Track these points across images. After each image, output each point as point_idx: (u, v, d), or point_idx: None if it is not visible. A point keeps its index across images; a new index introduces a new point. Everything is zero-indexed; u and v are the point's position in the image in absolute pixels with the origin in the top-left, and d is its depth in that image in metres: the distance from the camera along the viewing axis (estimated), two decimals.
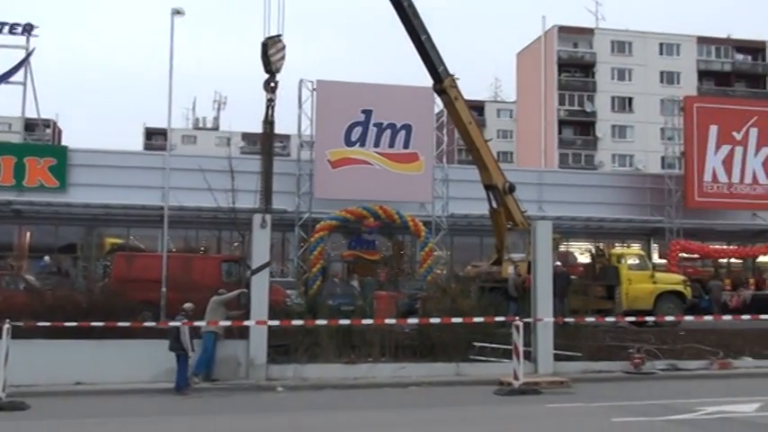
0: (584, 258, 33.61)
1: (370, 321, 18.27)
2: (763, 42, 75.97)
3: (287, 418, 13.44)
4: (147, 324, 17.49)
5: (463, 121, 24.19)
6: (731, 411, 13.05)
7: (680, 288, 26.60)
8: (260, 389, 16.25)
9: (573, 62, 73.11)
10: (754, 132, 39.54)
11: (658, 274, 27.23)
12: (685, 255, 38.66)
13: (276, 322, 17.36)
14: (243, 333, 17.33)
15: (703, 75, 74.17)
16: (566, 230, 34.12)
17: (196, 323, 16.45)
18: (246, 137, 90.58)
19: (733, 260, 42.48)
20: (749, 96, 67.49)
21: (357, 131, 34.03)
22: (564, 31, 72.99)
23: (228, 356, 17.12)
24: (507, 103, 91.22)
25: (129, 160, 34.97)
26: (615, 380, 17.85)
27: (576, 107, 72.17)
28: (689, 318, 22.92)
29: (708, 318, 22.88)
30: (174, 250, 30.58)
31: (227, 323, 17.17)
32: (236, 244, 30.34)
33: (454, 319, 17.86)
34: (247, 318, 17.08)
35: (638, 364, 18.50)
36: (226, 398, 15.35)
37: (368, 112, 34.05)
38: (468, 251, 35.71)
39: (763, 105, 45.55)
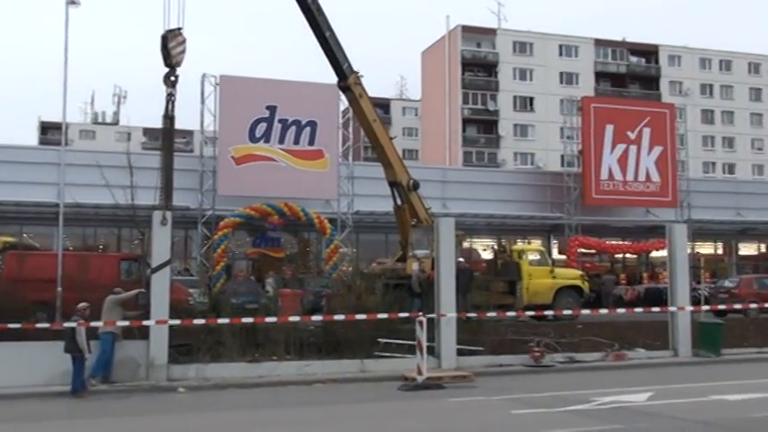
0: (486, 255, 34.27)
1: (274, 319, 18.12)
2: (655, 46, 79.11)
3: (187, 419, 13.19)
4: (40, 325, 16.85)
5: (368, 118, 24.27)
6: (624, 401, 13.54)
7: (578, 283, 27.41)
8: (160, 390, 15.87)
9: (476, 62, 74.34)
10: (647, 132, 41.16)
11: (557, 270, 27.97)
12: (583, 250, 39.94)
13: (177, 321, 17.00)
14: (143, 333, 16.89)
15: (600, 76, 76.67)
16: (469, 227, 34.69)
17: (93, 324, 15.95)
18: (148, 132, 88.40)
19: (628, 255, 44.15)
20: (643, 98, 70.18)
21: (261, 128, 33.71)
22: (467, 30, 74.15)
23: (127, 357, 16.66)
24: (412, 101, 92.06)
25: (23, 155, 33.64)
26: (516, 373, 18.25)
27: (480, 106, 73.43)
28: (586, 311, 23.63)
29: (604, 311, 23.65)
30: (70, 249, 29.58)
31: (126, 323, 16.70)
32: (135, 242, 29.58)
33: (359, 316, 17.91)
34: (146, 317, 16.66)
35: (537, 358, 18.96)
36: (124, 400, 14.94)
37: (272, 109, 33.76)
38: (373, 248, 35.89)
39: (656, 106, 47.56)
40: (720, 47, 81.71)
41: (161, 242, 17.39)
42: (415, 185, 24.91)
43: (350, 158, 36.71)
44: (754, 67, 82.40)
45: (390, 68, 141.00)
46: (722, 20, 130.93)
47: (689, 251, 27.11)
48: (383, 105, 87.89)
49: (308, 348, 18.53)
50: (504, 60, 73.65)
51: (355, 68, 24.18)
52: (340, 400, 14.66)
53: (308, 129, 34.30)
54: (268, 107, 33.76)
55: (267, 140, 33.77)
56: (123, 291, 17.18)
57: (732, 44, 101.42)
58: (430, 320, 17.65)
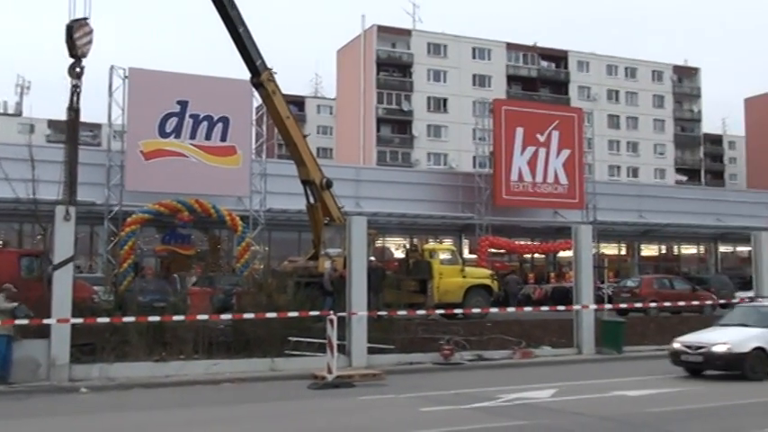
0: (398, 254, 34.48)
1: (182, 318, 17.78)
2: (565, 52, 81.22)
3: (88, 421, 12.79)
4: None
5: (281, 115, 24.07)
6: (529, 398, 13.85)
7: (488, 282, 27.87)
8: (62, 390, 15.35)
9: (391, 62, 74.79)
10: (555, 135, 42.16)
11: (468, 269, 28.36)
12: (494, 250, 40.64)
13: (80, 320, 16.48)
14: (44, 332, 16.30)
15: (512, 79, 78.22)
16: (382, 226, 34.85)
17: None
18: (53, 124, 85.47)
19: (537, 255, 45.16)
20: (552, 101, 71.77)
21: (172, 122, 33.01)
22: (383, 30, 74.52)
23: (27, 357, 16.03)
24: (327, 100, 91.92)
25: None
26: (426, 371, 18.43)
27: (394, 106, 73.90)
28: (494, 310, 24.08)
29: (511, 309, 24.12)
30: None
31: (24, 321, 16.03)
32: (38, 237, 28.52)
33: (269, 315, 17.76)
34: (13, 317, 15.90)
35: (447, 356, 19.19)
36: (23, 401, 14.39)
37: (184, 103, 33.10)
38: (286, 246, 35.63)
39: (565, 110, 48.78)
40: (626, 54, 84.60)
41: (64, 238, 16.83)
42: (329, 184, 24.84)
43: (263, 155, 36.31)
44: (658, 75, 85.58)
45: (306, 66, 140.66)
46: (629, 29, 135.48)
47: (594, 251, 27.95)
48: (297, 103, 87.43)
49: (217, 347, 18.29)
50: (418, 61, 74.31)
51: (269, 65, 23.95)
52: (248, 400, 14.50)
53: (220, 125, 33.77)
54: (179, 102, 33.08)
55: (178, 136, 33.08)
56: (12, 288, 16.39)
57: (637, 52, 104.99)
58: (341, 319, 17.65)
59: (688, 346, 16.89)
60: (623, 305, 26.51)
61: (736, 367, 16.18)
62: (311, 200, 25.05)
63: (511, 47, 78.69)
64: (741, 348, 16.22)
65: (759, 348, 16.25)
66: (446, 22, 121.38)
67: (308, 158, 24.70)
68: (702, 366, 16.73)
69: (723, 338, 16.68)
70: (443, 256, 27.73)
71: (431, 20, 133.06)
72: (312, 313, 18.45)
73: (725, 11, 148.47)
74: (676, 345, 17.22)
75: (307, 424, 12.12)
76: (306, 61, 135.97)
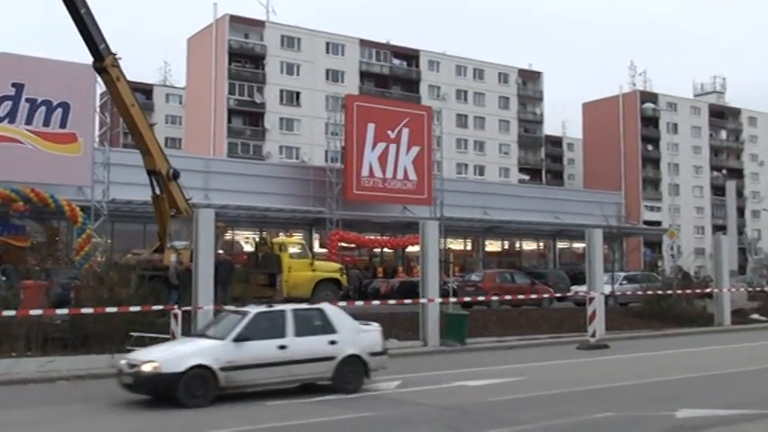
0: (248, 247, 34.05)
1: (12, 313, 16.76)
2: (417, 51, 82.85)
3: None
4: None
5: (125, 102, 23.18)
6: (375, 389, 14.03)
7: (337, 276, 28.02)
8: None
9: (244, 53, 73.70)
10: (406, 132, 42.96)
11: (317, 263, 28.40)
12: (344, 244, 40.90)
13: None
14: None
15: (365, 75, 78.96)
16: (231, 219, 34.28)
17: None
18: None
19: (386, 249, 45.85)
20: (404, 99, 73.03)
21: (6, 106, 30.98)
22: (235, 20, 73.29)
23: None
24: (177, 89, 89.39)
25: None
26: None
27: (246, 98, 72.88)
28: (343, 304, 24.15)
29: (359, 303, 24.36)
30: None
31: None
32: None
33: (109, 309, 17.08)
34: None
35: None
36: None
37: (19, 87, 31.13)
38: (130, 238, 34.35)
39: (415, 108, 49.79)
40: (475, 56, 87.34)
41: None
42: (176, 175, 24.17)
43: (106, 144, 34.84)
44: (504, 78, 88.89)
45: (154, 53, 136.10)
46: (479, 31, 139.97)
47: (441, 247, 28.70)
48: (145, 91, 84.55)
49: (52, 344, 17.41)
50: (271, 53, 73.63)
51: (114, 50, 22.99)
52: (84, 398, 13.86)
53: (59, 110, 32.00)
54: (14, 84, 31.08)
55: (12, 121, 31.08)
56: None
57: (486, 55, 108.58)
58: (186, 313, 17.23)
59: (129, 364, 12.98)
60: (467, 299, 27.33)
61: (167, 391, 12.50)
62: (157, 191, 24.30)
63: (364, 43, 79.42)
64: (175, 367, 12.50)
65: (201, 366, 12.54)
66: (300, 16, 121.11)
67: (153, 148, 23.92)
68: (134, 389, 12.85)
69: (155, 355, 13.08)
70: (293, 249, 27.63)
71: (285, 12, 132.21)
72: (156, 307, 17.91)
73: (567, 19, 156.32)
74: (122, 361, 13.38)
75: (133, 418, 11.74)
76: (154, 48, 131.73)
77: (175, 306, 16.72)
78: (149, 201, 25.41)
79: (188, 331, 17.45)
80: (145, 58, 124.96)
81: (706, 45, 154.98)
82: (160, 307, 17.92)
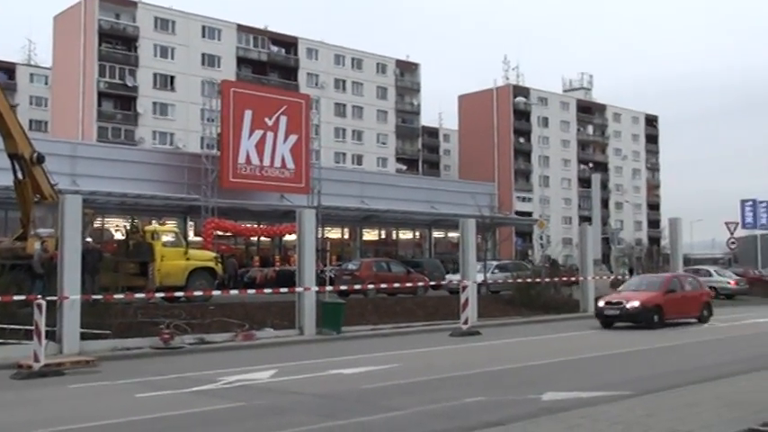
0: (119, 235, 32.91)
1: None
2: (295, 38, 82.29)
3: None
4: None
5: None
6: (249, 379, 13.88)
7: (212, 264, 27.49)
8: None
9: (115, 33, 71.13)
10: (284, 120, 42.63)
11: (191, 251, 27.76)
12: (219, 232, 40.21)
13: None
14: None
15: (242, 61, 77.79)
16: (101, 206, 33.13)
17: None
18: None
19: (263, 238, 45.40)
20: (282, 86, 72.54)
21: None
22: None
23: None
24: (42, 69, 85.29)
25: None
26: (144, 356, 17.80)
27: (118, 80, 70.41)
28: (217, 293, 23.87)
29: (234, 292, 24.04)
30: None
31: None
32: None
33: None
34: None
35: (167, 340, 18.68)
36: None
37: None
38: None
39: (293, 96, 49.46)
40: (354, 46, 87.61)
41: None
42: (40, 159, 22.97)
43: None
44: (382, 68, 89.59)
45: (17, 31, 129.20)
46: (357, 20, 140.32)
47: (318, 235, 28.64)
48: (8, 70, 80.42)
49: None
50: (144, 35, 71.37)
51: None
52: None
53: None
54: None
55: None
56: None
57: (364, 44, 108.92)
58: (51, 303, 16.50)
59: None
60: (344, 287, 27.44)
61: None
62: (20, 176, 23.04)
63: (242, 29, 78.19)
64: None
65: None
66: None
67: (15, 130, 22.63)
68: None
69: None
70: (166, 237, 26.89)
71: None
72: (17, 297, 17.06)
73: (445, 12, 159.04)
74: None
75: (9, 415, 11.17)
76: (18, 25, 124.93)
77: (39, 296, 15.95)
78: (11, 186, 24.09)
79: (53, 322, 16.77)
80: (7, 35, 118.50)
81: (575, 42, 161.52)
82: (22, 297, 17.08)
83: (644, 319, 23.64)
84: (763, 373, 13.63)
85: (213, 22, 75.77)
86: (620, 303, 24.05)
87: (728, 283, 38.92)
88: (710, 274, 39.31)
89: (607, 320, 24.25)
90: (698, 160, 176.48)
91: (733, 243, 50.55)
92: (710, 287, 37.31)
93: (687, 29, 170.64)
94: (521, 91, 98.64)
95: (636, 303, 23.81)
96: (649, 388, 11.93)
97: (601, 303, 24.88)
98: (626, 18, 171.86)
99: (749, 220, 74.01)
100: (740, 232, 61.93)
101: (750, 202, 75.65)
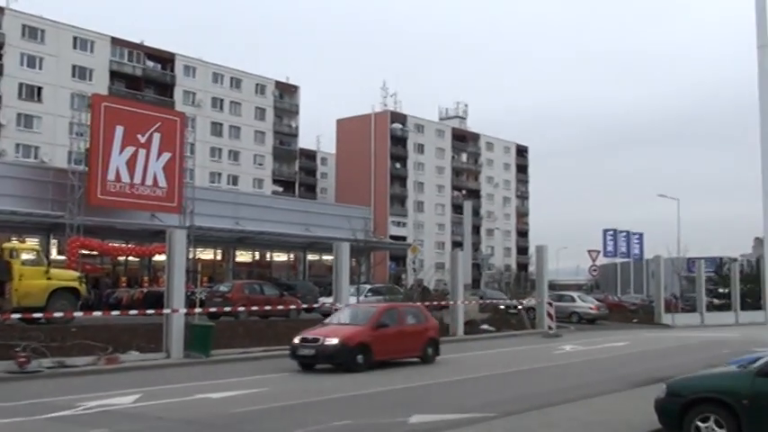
0: None
1: None
2: (173, 54, 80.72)
3: None
4: None
5: None
6: (111, 404, 13.37)
7: (75, 284, 26.38)
8: None
9: None
10: (157, 137, 41.64)
11: (53, 270, 26.56)
12: (85, 251, 38.73)
13: None
14: None
15: (115, 75, 75.56)
16: None
17: None
18: None
19: (131, 258, 44.02)
20: (157, 103, 70.77)
21: None
22: None
23: None
24: None
25: None
26: None
27: None
28: (79, 314, 22.94)
29: (98, 314, 23.18)
30: None
31: None
32: None
33: None
34: None
35: (23, 363, 17.72)
36: None
37: None
38: None
39: (167, 113, 48.40)
40: (233, 65, 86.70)
41: None
42: None
43: None
44: (261, 89, 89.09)
45: None
46: (237, 39, 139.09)
47: (190, 256, 28.03)
48: None
49: None
50: (10, 43, 68.22)
51: None
52: None
53: None
54: None
55: None
56: None
57: (244, 64, 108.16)
58: None
59: None
60: (214, 309, 26.93)
61: None
62: None
63: (116, 42, 76.01)
64: None
65: None
66: (45, 6, 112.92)
67: None
68: None
69: None
70: (26, 256, 25.64)
71: (28, 0, 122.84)
72: None
73: (325, 37, 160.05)
74: None
75: None
76: None
77: None
78: None
79: None
80: None
81: (452, 72, 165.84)
82: None
83: (345, 359, 18.75)
84: (616, 394, 14.35)
85: (86, 33, 73.28)
86: (317, 340, 19.09)
87: (590, 308, 40.68)
88: (574, 300, 41.05)
89: (304, 361, 19.23)
90: (564, 190, 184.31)
91: (595, 270, 53.01)
92: (573, 312, 39.16)
93: (560, 61, 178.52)
94: (398, 117, 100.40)
95: (334, 341, 18.85)
96: (510, 410, 12.33)
97: (296, 340, 19.58)
98: (501, 50, 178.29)
99: (610, 248, 77.92)
100: (602, 260, 65.16)
101: (611, 232, 79.68)
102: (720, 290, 50.37)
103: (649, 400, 10.28)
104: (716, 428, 9.11)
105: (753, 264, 57.46)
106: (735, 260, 56.23)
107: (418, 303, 26.74)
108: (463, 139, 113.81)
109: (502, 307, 39.68)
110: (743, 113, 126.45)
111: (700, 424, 9.24)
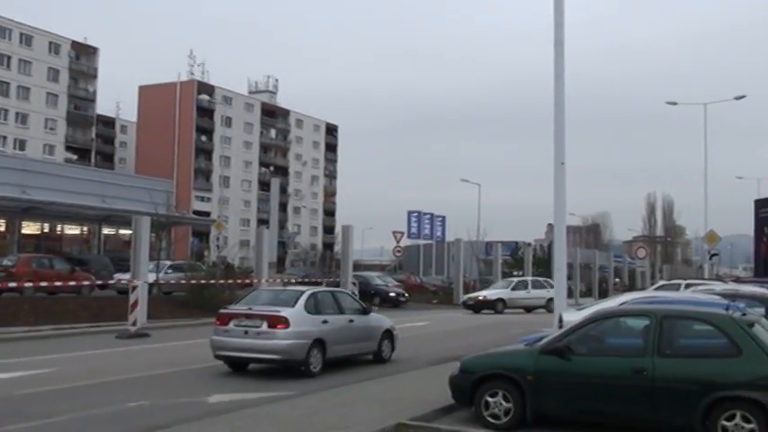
0: None
1: None
2: None
3: None
4: None
5: None
6: None
7: None
8: None
9: None
10: None
11: None
12: None
13: None
14: None
15: None
16: None
17: None
18: None
19: None
20: None
21: None
22: None
23: None
24: None
25: None
26: None
27: None
28: None
29: None
30: None
31: None
32: None
33: None
34: None
35: None
36: None
37: None
38: None
39: None
40: (24, 20, 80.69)
41: None
42: None
43: None
44: (55, 48, 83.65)
45: None
46: None
47: None
48: None
49: None
50: None
51: None
52: None
53: None
54: None
55: None
56: None
57: (35, 20, 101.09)
58: None
59: None
60: None
61: None
62: None
63: None
64: None
65: None
66: None
67: None
68: None
69: None
70: None
71: None
72: None
73: None
74: None
75: None
76: None
77: None
78: None
79: None
80: None
81: (263, 46, 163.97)
82: None
83: None
84: (413, 372, 14.89)
85: None
86: None
87: (391, 288, 41.73)
88: (374, 280, 41.98)
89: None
90: (372, 171, 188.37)
91: (398, 251, 54.59)
92: (374, 293, 40.10)
93: (373, 49, 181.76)
94: (205, 88, 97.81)
95: None
96: (306, 390, 12.48)
97: None
98: (314, 28, 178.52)
99: (414, 230, 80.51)
100: (406, 242, 67.21)
101: (416, 214, 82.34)
102: (515, 273, 53.39)
103: (444, 378, 10.74)
104: (503, 402, 9.67)
105: (545, 248, 61.55)
106: (529, 245, 59.88)
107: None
108: (273, 114, 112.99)
109: None
110: (544, 105, 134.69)
111: (489, 399, 9.77)
